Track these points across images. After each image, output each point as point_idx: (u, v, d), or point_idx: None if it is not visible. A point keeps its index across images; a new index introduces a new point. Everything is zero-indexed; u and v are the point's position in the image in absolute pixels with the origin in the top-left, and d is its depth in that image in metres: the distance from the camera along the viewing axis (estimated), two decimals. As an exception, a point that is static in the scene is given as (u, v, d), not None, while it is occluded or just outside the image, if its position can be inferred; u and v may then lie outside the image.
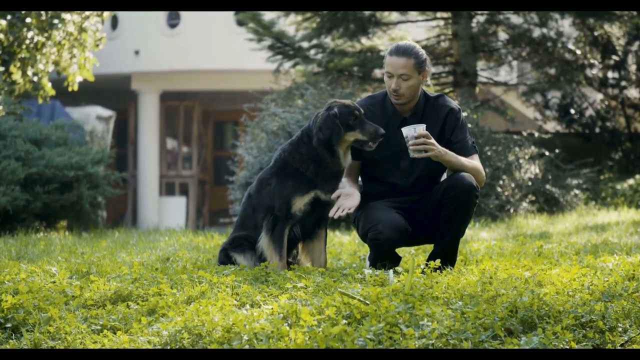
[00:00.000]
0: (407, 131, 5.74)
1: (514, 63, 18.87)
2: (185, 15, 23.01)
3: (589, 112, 19.42)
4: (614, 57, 18.05)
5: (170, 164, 25.67)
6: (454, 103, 6.11)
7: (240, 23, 21.38)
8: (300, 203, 5.90)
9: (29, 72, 13.88)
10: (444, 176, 6.10)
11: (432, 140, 5.74)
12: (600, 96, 19.58)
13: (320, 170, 5.89)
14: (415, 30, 16.97)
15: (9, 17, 13.43)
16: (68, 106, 19.95)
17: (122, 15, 22.89)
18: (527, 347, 4.12)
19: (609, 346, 4.26)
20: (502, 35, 16.50)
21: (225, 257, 6.10)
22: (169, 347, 4.35)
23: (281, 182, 5.93)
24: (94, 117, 19.67)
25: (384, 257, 5.93)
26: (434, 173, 6.06)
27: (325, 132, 5.80)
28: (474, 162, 5.96)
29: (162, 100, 24.74)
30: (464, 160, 5.90)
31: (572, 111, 19.13)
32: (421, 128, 5.73)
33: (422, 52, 5.96)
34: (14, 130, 12.27)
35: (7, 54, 13.66)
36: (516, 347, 4.13)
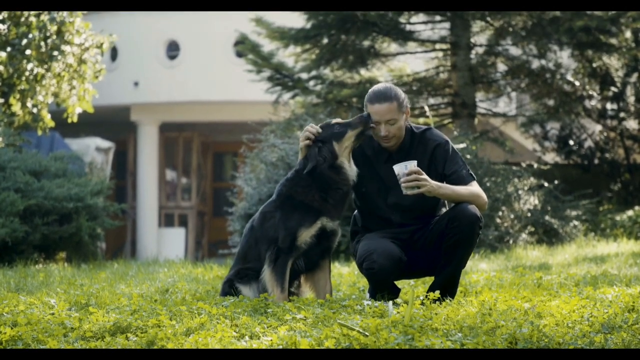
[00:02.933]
0: (399, 169, 5.74)
1: (513, 94, 18.90)
2: (184, 46, 23.09)
3: (588, 143, 19.43)
4: (613, 88, 18.08)
5: (169, 195, 25.66)
6: (442, 136, 6.10)
7: (239, 54, 21.44)
8: (306, 235, 5.87)
9: (29, 104, 13.91)
10: (441, 208, 6.11)
11: (424, 176, 5.73)
12: (599, 127, 19.60)
13: (328, 196, 5.88)
14: (414, 61, 17.02)
15: (8, 49, 13.48)
16: (67, 137, 19.96)
17: (122, 46, 22.95)
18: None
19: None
20: (501, 67, 16.54)
21: (230, 288, 6.05)
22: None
23: (286, 215, 5.90)
24: (93, 149, 19.69)
25: (380, 287, 5.92)
26: (426, 206, 6.05)
27: (324, 153, 5.81)
28: (470, 188, 5.94)
29: (161, 131, 24.77)
30: (459, 189, 5.89)
31: (571, 142, 19.15)
32: (412, 165, 5.73)
33: (399, 90, 5.97)
34: (13, 162, 12.26)
35: (7, 86, 13.70)
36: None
